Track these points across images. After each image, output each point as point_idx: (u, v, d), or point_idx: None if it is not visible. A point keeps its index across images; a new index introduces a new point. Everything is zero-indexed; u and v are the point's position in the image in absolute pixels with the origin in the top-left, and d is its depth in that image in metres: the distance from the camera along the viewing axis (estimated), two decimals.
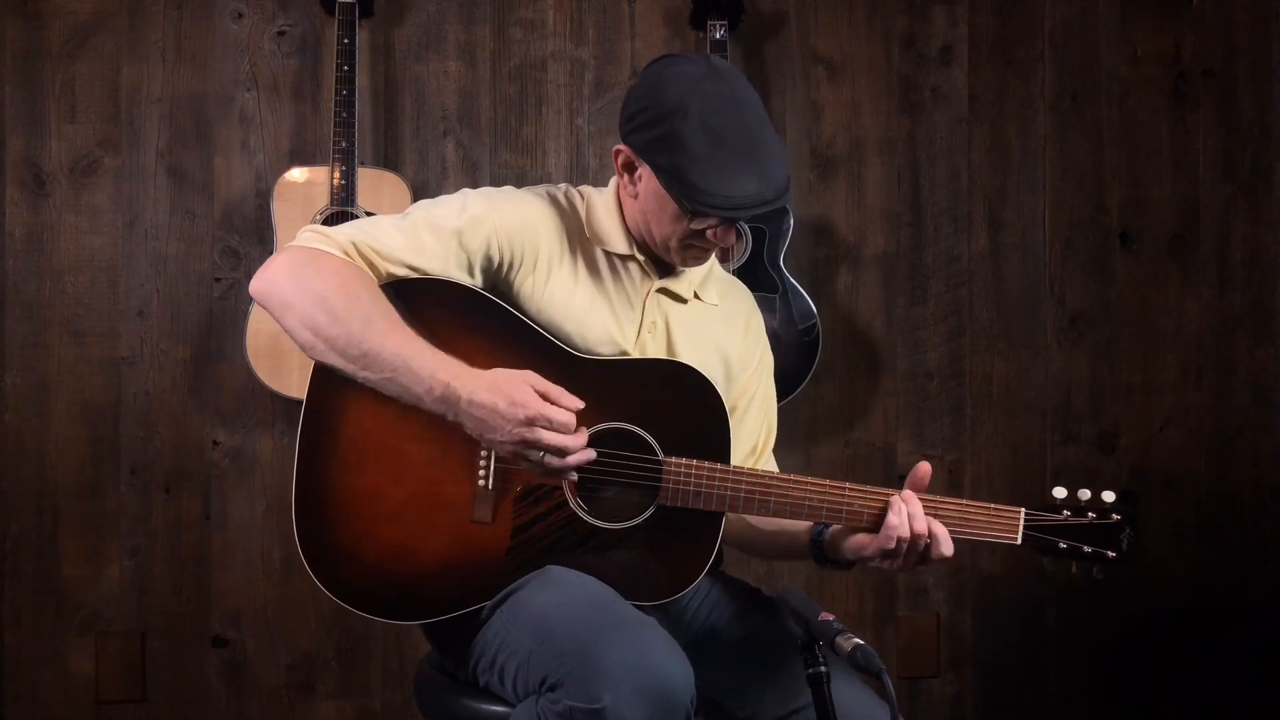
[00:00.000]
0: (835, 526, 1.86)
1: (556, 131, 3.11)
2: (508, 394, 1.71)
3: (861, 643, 1.50)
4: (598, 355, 1.87)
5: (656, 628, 1.69)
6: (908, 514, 1.77)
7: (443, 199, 1.88)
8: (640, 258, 1.93)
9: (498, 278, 1.86)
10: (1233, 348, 3.37)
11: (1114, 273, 3.32)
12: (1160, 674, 3.28)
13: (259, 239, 2.98)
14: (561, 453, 1.74)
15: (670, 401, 1.84)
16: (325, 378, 1.80)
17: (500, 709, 1.80)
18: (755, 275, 2.92)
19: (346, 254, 1.78)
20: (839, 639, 1.52)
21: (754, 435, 2.06)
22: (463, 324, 1.82)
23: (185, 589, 2.99)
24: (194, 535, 3.00)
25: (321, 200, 2.83)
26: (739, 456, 2.02)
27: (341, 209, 2.81)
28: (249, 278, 1.83)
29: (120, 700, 2.97)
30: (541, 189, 1.95)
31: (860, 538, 1.82)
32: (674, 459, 1.81)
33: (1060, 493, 1.86)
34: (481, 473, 1.80)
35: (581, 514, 1.82)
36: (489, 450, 1.79)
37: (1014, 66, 3.28)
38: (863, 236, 3.22)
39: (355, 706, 3.06)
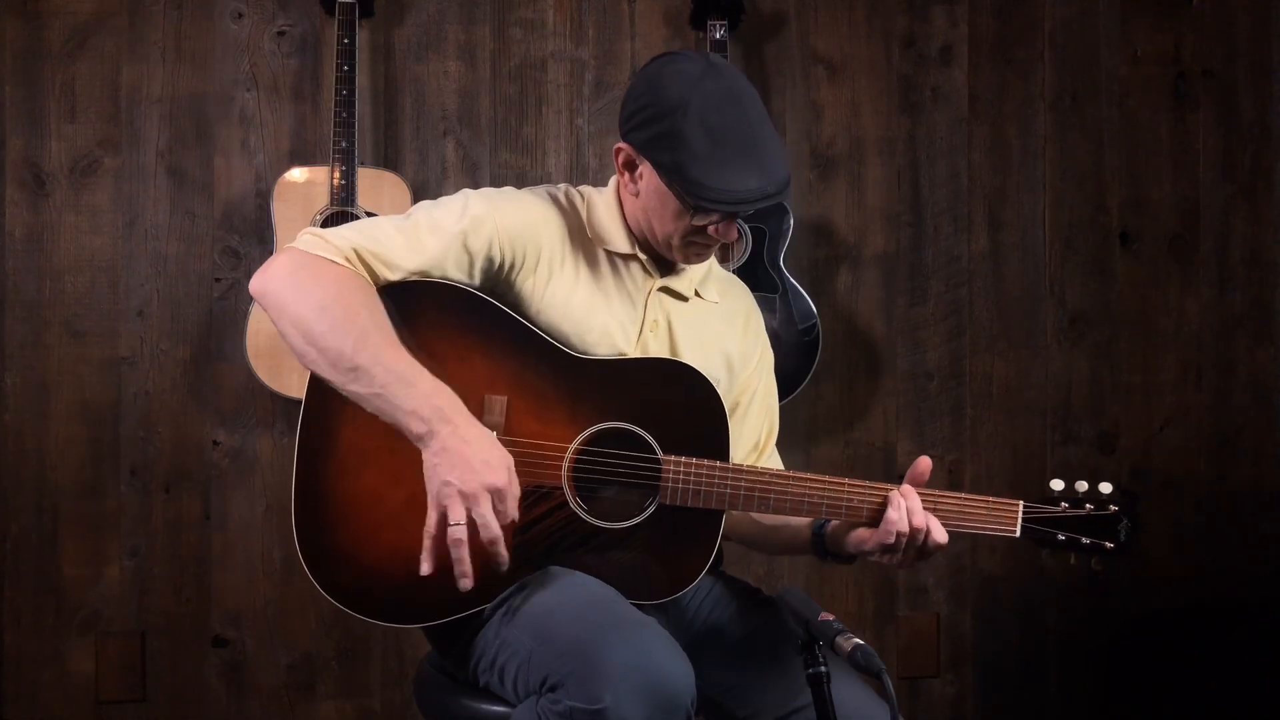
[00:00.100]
0: (836, 521, 1.87)
1: (556, 131, 3.11)
2: (487, 455, 1.68)
3: (861, 643, 1.50)
4: (596, 355, 1.87)
5: (657, 628, 1.69)
6: (906, 509, 1.78)
7: (444, 200, 1.88)
8: (642, 256, 1.93)
9: (498, 279, 1.86)
10: (1233, 348, 3.37)
11: (1114, 273, 3.32)
12: (1160, 674, 3.28)
13: (259, 239, 2.98)
14: (486, 531, 1.67)
15: (669, 400, 1.83)
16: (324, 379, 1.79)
17: (500, 709, 1.80)
18: (755, 275, 2.92)
19: (347, 260, 1.77)
20: (839, 639, 1.52)
21: (757, 432, 2.06)
22: (461, 326, 1.82)
23: (185, 589, 2.99)
24: (194, 535, 3.00)
25: (321, 200, 2.83)
26: (743, 453, 2.03)
27: (341, 209, 2.81)
28: (249, 278, 1.82)
29: (120, 700, 2.97)
30: (542, 189, 1.95)
31: (861, 532, 1.82)
32: (673, 457, 1.81)
33: (1058, 484, 1.86)
34: None
35: (581, 514, 1.82)
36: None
37: (1014, 66, 3.28)
38: (863, 236, 3.22)
39: (355, 706, 3.06)
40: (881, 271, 3.23)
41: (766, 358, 2.10)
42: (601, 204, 1.94)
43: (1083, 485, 1.86)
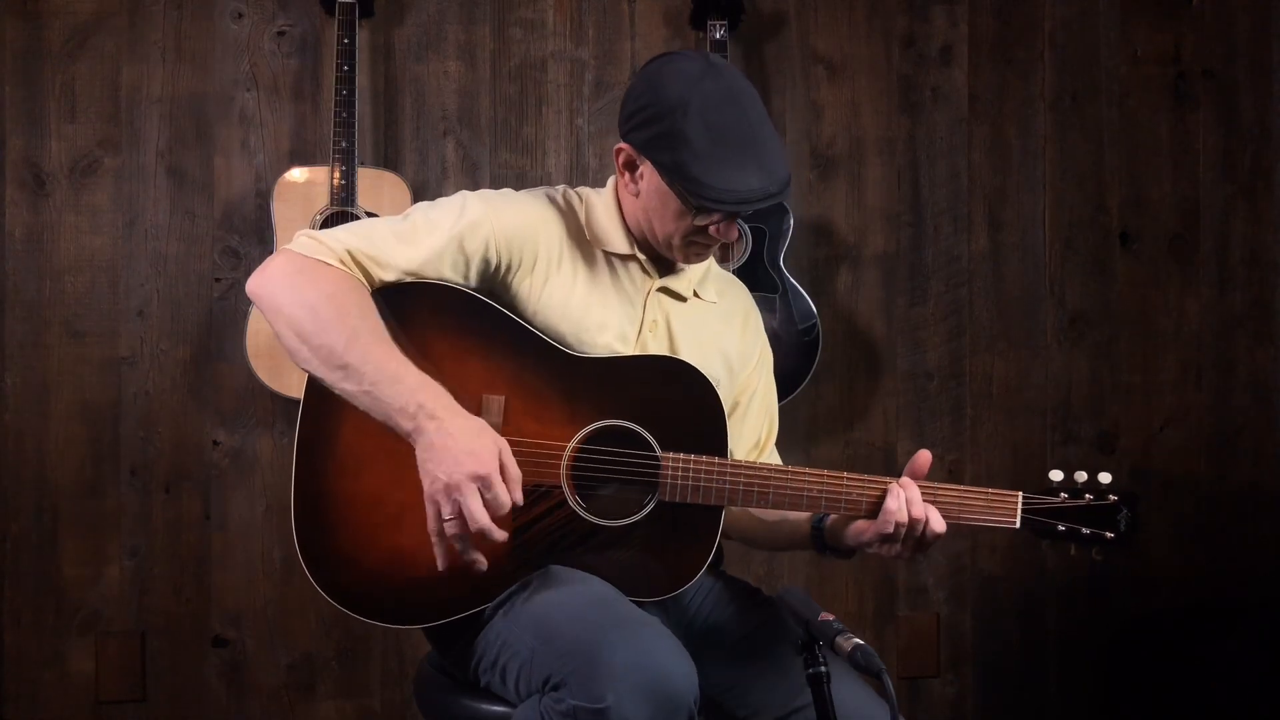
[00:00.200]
0: (835, 515, 1.87)
1: (556, 131, 3.11)
2: (471, 445, 1.67)
3: (861, 643, 1.50)
4: (593, 355, 1.87)
5: (660, 626, 1.69)
6: (905, 499, 1.78)
7: (441, 202, 1.88)
8: (640, 257, 1.93)
9: (494, 280, 1.86)
10: (1233, 348, 3.37)
11: (1114, 273, 3.32)
12: (1160, 674, 3.28)
13: (259, 239, 2.98)
14: (473, 522, 1.66)
15: (667, 398, 1.84)
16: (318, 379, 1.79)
17: (501, 709, 1.80)
18: (755, 275, 2.92)
19: (343, 262, 1.78)
20: (839, 639, 1.52)
21: (756, 431, 2.07)
22: (459, 327, 1.82)
23: (185, 589, 2.99)
24: (194, 535, 3.00)
25: (321, 200, 2.83)
26: (743, 453, 2.04)
27: (341, 209, 2.81)
28: (249, 277, 1.83)
29: (120, 700, 2.97)
30: (540, 191, 1.95)
31: (860, 523, 1.83)
32: (671, 454, 1.81)
33: (1057, 475, 1.86)
34: None
35: (581, 512, 1.82)
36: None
37: (1014, 66, 3.29)
38: (863, 236, 3.22)
39: (355, 706, 3.06)
40: (881, 271, 3.23)
41: (766, 356, 2.10)
42: (600, 205, 1.94)
43: (1082, 476, 1.86)
